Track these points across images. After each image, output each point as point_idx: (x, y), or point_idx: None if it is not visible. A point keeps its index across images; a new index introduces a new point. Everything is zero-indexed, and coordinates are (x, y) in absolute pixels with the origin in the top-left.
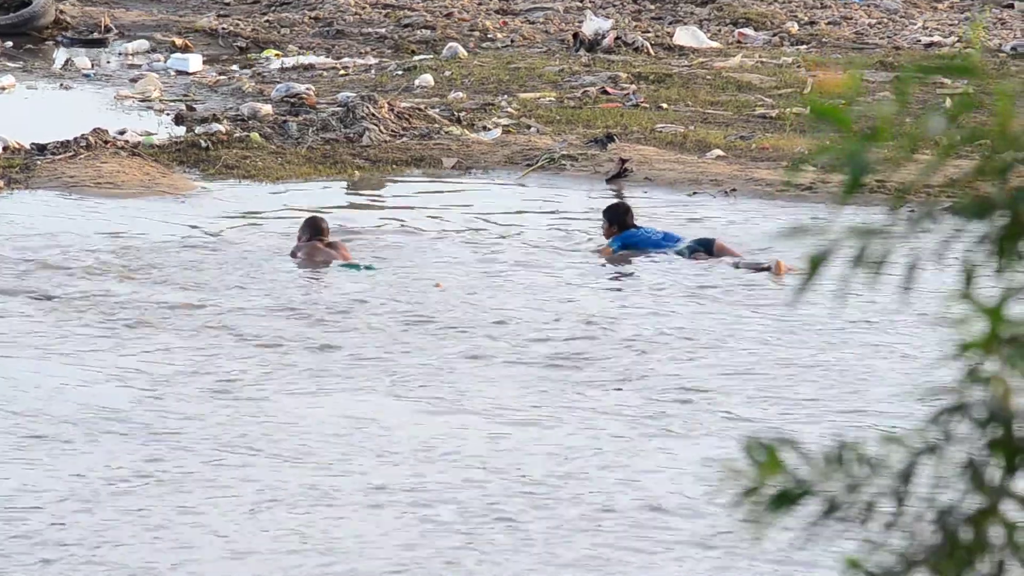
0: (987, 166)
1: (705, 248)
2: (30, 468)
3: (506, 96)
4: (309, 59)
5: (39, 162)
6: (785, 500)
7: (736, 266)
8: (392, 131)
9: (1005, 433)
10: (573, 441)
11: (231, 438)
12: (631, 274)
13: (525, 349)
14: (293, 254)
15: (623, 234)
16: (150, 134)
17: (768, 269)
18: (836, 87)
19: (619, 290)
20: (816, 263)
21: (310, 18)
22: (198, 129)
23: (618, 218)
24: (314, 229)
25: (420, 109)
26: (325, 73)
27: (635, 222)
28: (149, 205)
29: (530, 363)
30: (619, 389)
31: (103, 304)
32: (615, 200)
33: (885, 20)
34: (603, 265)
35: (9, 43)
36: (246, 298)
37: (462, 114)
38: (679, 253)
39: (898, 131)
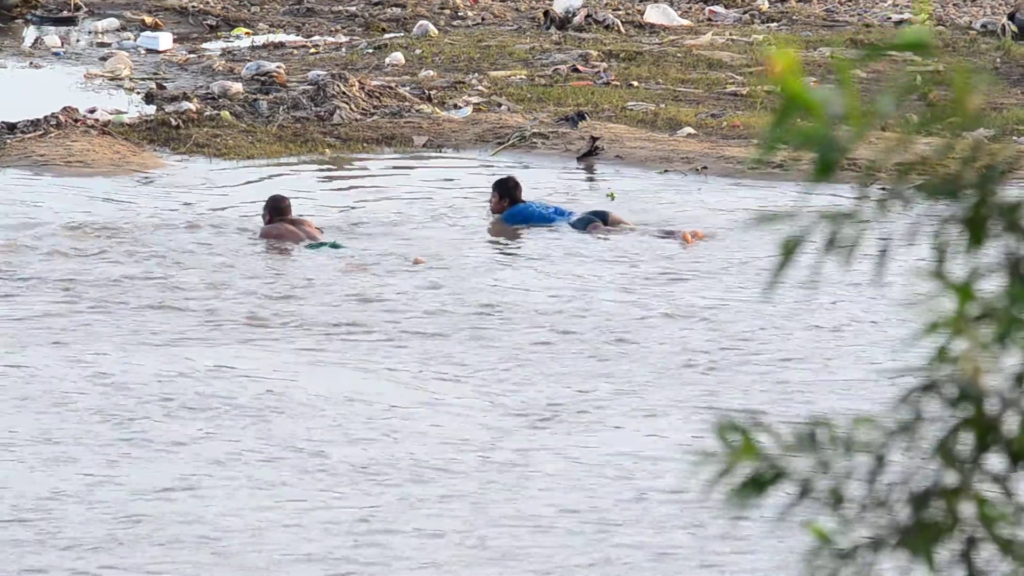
0: (956, 145)
1: (601, 220)
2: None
3: (477, 74)
4: (279, 37)
5: (9, 141)
6: (758, 484)
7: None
8: (363, 109)
9: (976, 412)
10: None
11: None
12: (520, 248)
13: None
14: (263, 235)
15: (513, 208)
16: (120, 113)
17: (674, 235)
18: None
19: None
20: (789, 249)
21: None
22: (168, 108)
23: (508, 191)
24: (277, 208)
25: (391, 87)
26: (295, 51)
27: (523, 196)
28: (119, 184)
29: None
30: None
31: (75, 284)
32: (505, 175)
33: None
34: (497, 239)
35: None
36: (218, 278)
37: (433, 92)
38: (573, 225)
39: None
